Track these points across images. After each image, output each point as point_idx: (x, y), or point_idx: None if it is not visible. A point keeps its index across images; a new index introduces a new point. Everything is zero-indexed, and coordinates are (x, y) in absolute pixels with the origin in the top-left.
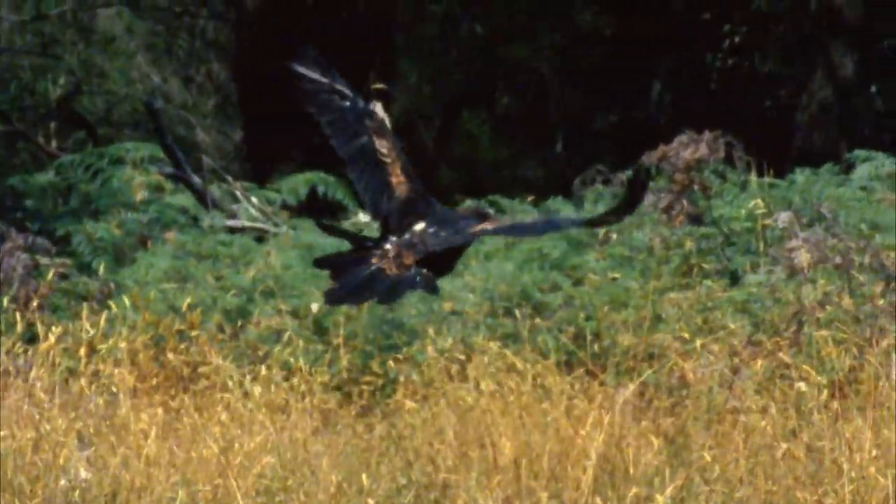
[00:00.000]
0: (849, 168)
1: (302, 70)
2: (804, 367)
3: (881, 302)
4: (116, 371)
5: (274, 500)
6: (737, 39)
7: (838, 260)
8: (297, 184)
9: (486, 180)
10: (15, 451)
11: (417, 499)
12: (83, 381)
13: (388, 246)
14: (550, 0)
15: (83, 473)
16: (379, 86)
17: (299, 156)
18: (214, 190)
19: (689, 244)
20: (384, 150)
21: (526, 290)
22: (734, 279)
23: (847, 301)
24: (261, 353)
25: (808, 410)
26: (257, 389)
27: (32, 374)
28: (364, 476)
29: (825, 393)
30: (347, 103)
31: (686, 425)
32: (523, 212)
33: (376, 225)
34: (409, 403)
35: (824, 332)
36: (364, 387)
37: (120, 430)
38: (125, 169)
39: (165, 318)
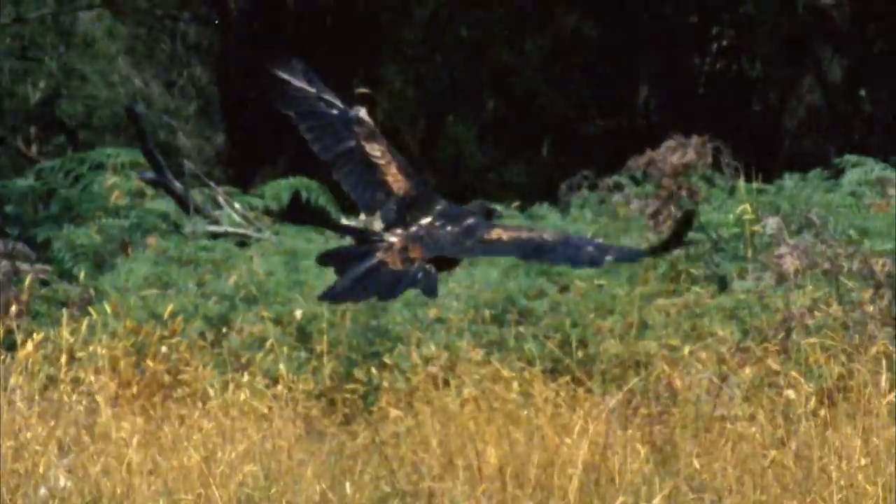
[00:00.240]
0: (838, 173)
1: (286, 76)
2: (793, 374)
3: (870, 308)
4: (97, 378)
5: None
6: (724, 43)
7: (827, 266)
8: (280, 189)
9: (471, 185)
10: None
11: None
12: (63, 389)
13: (393, 239)
14: (535, 4)
15: (63, 482)
16: (363, 90)
17: (283, 160)
18: (196, 195)
19: (677, 250)
20: (377, 153)
21: (511, 296)
22: (722, 285)
23: (836, 308)
24: (243, 361)
25: (796, 418)
26: (240, 397)
27: (12, 381)
28: (348, 484)
29: (814, 400)
30: (335, 111)
31: (673, 433)
32: (510, 217)
33: (376, 223)
34: (394, 411)
35: (813, 339)
36: (348, 394)
37: (100, 438)
38: (106, 174)
39: (146, 324)
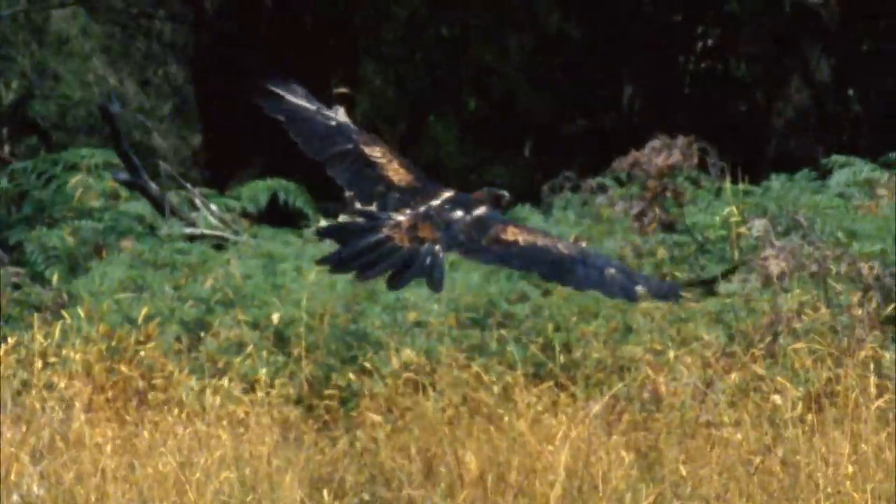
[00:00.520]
0: (826, 174)
1: (282, 92)
2: (779, 379)
3: (858, 312)
4: (70, 384)
5: None
6: (710, 42)
7: (815, 269)
8: (257, 191)
9: (452, 186)
10: None
11: None
12: (36, 394)
13: (401, 218)
14: (517, 2)
15: (36, 489)
16: (341, 90)
17: (260, 161)
18: (172, 197)
19: (662, 252)
20: (377, 154)
21: (493, 300)
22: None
23: (823, 311)
24: (220, 365)
25: (783, 424)
26: (216, 402)
27: None
28: (326, 492)
29: (801, 406)
30: (332, 122)
31: (658, 439)
32: None
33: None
34: (373, 417)
35: (800, 343)
36: (326, 400)
37: (74, 444)
38: (79, 175)
39: (121, 329)
